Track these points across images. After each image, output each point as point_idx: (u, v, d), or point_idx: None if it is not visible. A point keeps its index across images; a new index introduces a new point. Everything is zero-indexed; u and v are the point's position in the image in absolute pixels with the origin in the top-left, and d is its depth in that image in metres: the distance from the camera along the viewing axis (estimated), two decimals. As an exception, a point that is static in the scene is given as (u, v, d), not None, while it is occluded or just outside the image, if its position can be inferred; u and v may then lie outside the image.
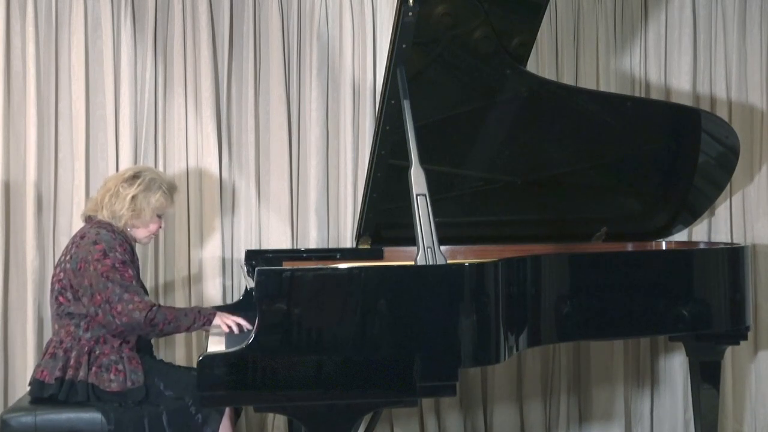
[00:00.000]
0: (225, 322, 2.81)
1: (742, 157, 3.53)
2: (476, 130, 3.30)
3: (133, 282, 2.69)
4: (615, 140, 3.41)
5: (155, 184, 2.83)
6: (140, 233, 2.87)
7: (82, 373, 2.64)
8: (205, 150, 3.70)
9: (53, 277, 2.79)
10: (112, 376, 2.65)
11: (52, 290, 2.78)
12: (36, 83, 3.56)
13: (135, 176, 2.83)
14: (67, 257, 2.75)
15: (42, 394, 2.66)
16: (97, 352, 2.68)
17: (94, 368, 2.66)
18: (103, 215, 2.80)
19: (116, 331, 2.68)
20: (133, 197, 2.79)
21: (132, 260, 2.79)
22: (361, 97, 3.80)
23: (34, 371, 2.73)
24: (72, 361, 2.66)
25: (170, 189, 2.89)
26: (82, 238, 2.75)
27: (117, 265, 2.67)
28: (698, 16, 4.04)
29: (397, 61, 2.76)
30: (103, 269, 2.65)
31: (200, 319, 2.76)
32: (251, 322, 2.87)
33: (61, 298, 2.74)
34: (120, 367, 2.66)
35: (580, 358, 4.02)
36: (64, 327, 2.72)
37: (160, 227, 2.92)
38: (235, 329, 2.80)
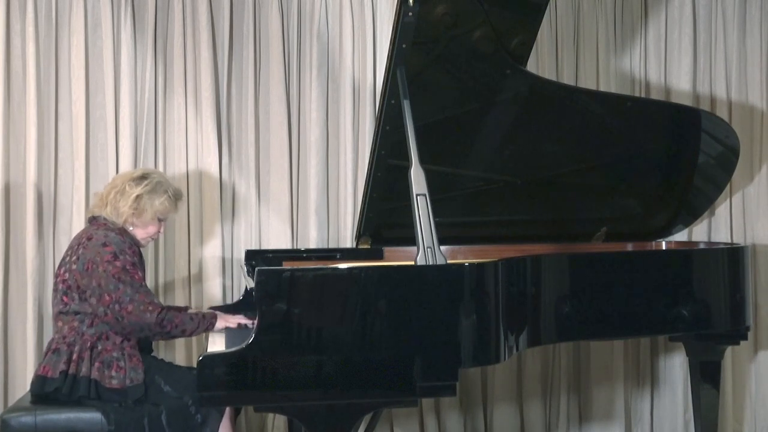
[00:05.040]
0: (228, 323, 2.85)
1: (742, 157, 3.53)
2: (476, 130, 3.30)
3: (143, 283, 2.73)
4: (615, 140, 3.41)
5: (161, 187, 2.86)
6: (138, 233, 2.87)
7: (84, 369, 2.65)
8: (205, 150, 3.70)
9: (57, 277, 2.80)
10: (113, 373, 2.66)
11: (56, 290, 2.78)
12: (36, 83, 3.56)
13: (143, 177, 2.86)
14: (74, 258, 2.75)
15: (44, 390, 2.66)
16: (99, 348, 2.68)
17: (96, 363, 2.66)
18: (107, 212, 2.82)
19: (124, 332, 2.69)
20: (138, 197, 2.81)
21: (140, 263, 2.82)
22: (361, 97, 3.80)
23: (37, 370, 2.73)
24: (75, 356, 2.67)
25: (176, 195, 2.92)
26: (89, 239, 2.75)
27: (128, 267, 2.69)
28: (698, 16, 4.04)
29: (397, 61, 2.76)
30: (114, 270, 2.67)
31: (204, 322, 2.79)
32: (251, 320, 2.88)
33: (65, 298, 2.74)
34: (121, 363, 2.67)
35: (580, 358, 4.02)
36: (68, 323, 2.73)
37: (159, 232, 2.93)
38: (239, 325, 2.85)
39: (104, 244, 2.71)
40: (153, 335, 2.74)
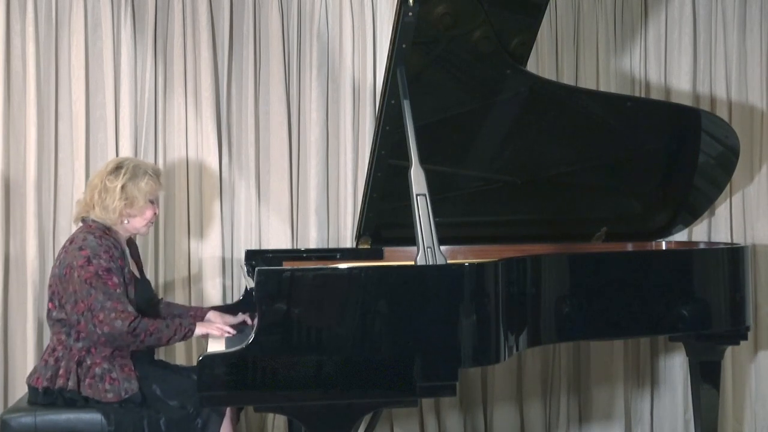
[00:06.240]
0: (208, 330, 2.77)
1: (742, 157, 3.53)
2: (476, 130, 3.30)
3: (118, 290, 2.62)
4: (615, 140, 3.41)
5: (140, 170, 2.78)
6: (137, 222, 2.80)
7: (71, 383, 2.62)
8: (205, 150, 3.70)
9: (48, 281, 2.77)
10: (107, 386, 2.62)
11: (47, 294, 2.76)
12: (36, 83, 3.56)
13: (118, 167, 2.78)
14: (57, 262, 2.73)
15: (36, 401, 2.66)
16: (89, 362, 2.64)
17: (87, 380, 2.62)
18: (96, 213, 2.75)
19: (99, 342, 2.62)
20: (122, 187, 2.74)
21: (121, 266, 2.71)
22: (361, 97, 3.80)
23: (31, 375, 2.73)
24: (61, 371, 2.64)
25: (156, 172, 2.84)
26: (71, 243, 2.72)
27: (101, 272, 2.61)
28: (698, 16, 4.04)
29: (397, 61, 2.76)
30: (87, 276, 2.60)
31: (181, 330, 2.69)
32: (246, 322, 2.87)
33: (50, 304, 2.72)
34: (114, 375, 2.63)
35: (580, 358, 4.02)
36: (57, 334, 2.70)
37: (156, 213, 2.86)
38: (228, 333, 2.78)
39: (80, 248, 2.65)
40: (126, 345, 2.63)
